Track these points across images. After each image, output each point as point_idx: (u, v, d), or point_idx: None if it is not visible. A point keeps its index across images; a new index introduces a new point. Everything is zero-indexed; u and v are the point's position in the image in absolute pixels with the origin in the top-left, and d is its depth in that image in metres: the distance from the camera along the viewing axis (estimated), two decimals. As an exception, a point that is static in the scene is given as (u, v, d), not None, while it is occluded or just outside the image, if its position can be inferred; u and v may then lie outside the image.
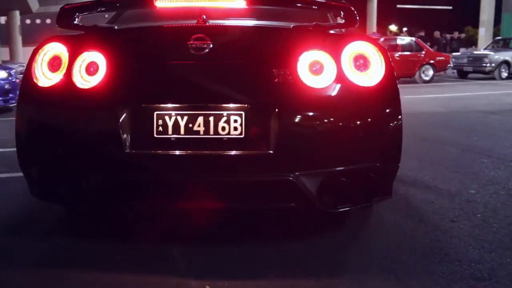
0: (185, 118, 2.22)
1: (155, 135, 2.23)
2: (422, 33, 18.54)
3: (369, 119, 2.32)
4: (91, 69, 2.31)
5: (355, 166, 2.32)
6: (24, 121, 2.44)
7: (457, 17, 38.10)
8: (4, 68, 9.63)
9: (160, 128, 2.22)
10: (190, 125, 2.21)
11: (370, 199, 2.46)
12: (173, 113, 2.22)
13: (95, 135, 2.27)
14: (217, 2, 2.41)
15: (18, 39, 27.54)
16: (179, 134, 2.22)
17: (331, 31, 2.48)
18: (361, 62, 2.32)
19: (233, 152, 2.22)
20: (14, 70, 9.89)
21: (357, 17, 2.40)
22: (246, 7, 2.40)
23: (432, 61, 15.09)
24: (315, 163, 2.27)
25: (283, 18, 2.90)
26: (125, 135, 2.22)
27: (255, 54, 2.34)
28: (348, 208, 2.42)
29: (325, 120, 2.25)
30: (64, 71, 2.33)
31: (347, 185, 2.32)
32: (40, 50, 2.41)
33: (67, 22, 2.42)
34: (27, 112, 2.43)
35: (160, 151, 2.23)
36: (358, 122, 2.29)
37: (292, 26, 2.44)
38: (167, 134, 2.23)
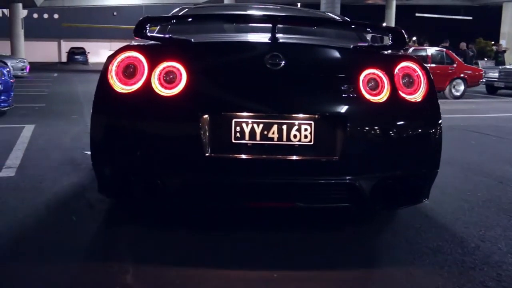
0: (261, 125, 2.50)
1: (233, 141, 2.49)
2: (447, 44, 17.19)
3: (416, 131, 2.71)
4: (171, 77, 2.53)
5: (404, 171, 2.69)
6: (102, 124, 2.63)
7: (476, 28, 36.82)
8: None
9: (238, 134, 2.49)
10: (265, 132, 2.50)
11: (415, 201, 2.84)
12: (249, 121, 2.49)
13: (177, 139, 2.53)
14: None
15: (20, 33, 26.46)
16: (255, 140, 2.50)
17: (385, 52, 2.84)
18: (409, 80, 2.68)
19: (303, 157, 2.52)
20: (7, 69, 8.35)
21: (407, 40, 2.81)
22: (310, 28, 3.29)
23: (464, 75, 13.75)
24: (373, 168, 2.61)
25: (328, 35, 3.41)
26: (205, 140, 2.46)
27: (322, 71, 2.67)
28: (395, 208, 2.99)
29: (382, 131, 2.61)
30: (144, 78, 2.54)
31: (397, 188, 2.67)
32: (117, 57, 2.60)
33: (144, 32, 2.63)
34: (105, 115, 2.63)
35: (237, 155, 2.49)
36: (408, 133, 2.68)
37: (351, 46, 2.81)
38: (244, 140, 2.50)
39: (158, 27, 3.27)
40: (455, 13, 37.02)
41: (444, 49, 14.54)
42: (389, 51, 2.86)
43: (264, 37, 2.73)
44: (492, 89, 15.73)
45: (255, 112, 2.50)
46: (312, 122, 2.51)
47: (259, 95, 2.56)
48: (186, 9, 3.92)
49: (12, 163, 4.59)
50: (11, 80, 8.15)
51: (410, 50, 13.40)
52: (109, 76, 2.58)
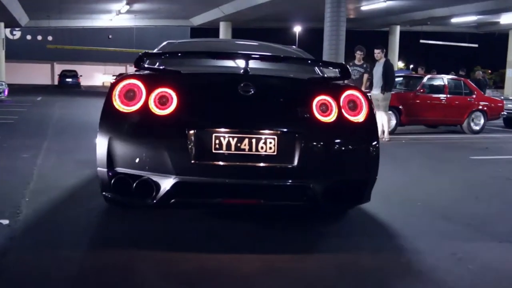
0: (235, 139, 3.16)
1: (213, 151, 3.14)
2: (463, 72, 15.82)
3: (358, 144, 3.45)
4: (164, 100, 3.19)
5: (349, 177, 3.42)
6: (107, 136, 3.20)
7: (483, 56, 35.62)
8: None
9: (217, 146, 3.14)
10: (239, 144, 3.16)
11: (358, 202, 3.60)
12: (226, 135, 3.16)
13: (169, 149, 3.13)
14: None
15: (1, 54, 24.92)
16: (231, 150, 3.16)
17: (333, 82, 3.65)
18: (353, 105, 3.41)
19: (269, 164, 3.19)
20: None
21: (350, 72, 3.62)
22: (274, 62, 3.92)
23: (483, 107, 12.26)
24: (323, 174, 3.31)
25: (291, 68, 4.08)
26: (191, 150, 3.11)
27: (283, 97, 3.42)
28: (342, 207, 3.88)
29: (330, 144, 3.33)
30: (142, 101, 3.19)
31: (343, 191, 3.36)
32: (120, 83, 3.26)
33: (142, 64, 3.38)
34: (109, 130, 3.23)
35: (216, 162, 3.15)
36: (352, 146, 3.43)
37: (307, 77, 3.66)
38: (222, 150, 3.15)
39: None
40: (460, 40, 35.87)
41: (462, 79, 13.11)
42: (339, 81, 3.67)
43: (239, 69, 3.44)
44: (509, 123, 14.33)
45: (230, 129, 3.18)
46: (276, 137, 3.20)
47: (234, 115, 3.26)
48: (173, 44, 4.59)
49: None
50: None
51: (425, 79, 11.91)
52: (113, 99, 3.25)
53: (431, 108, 11.62)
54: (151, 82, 3.25)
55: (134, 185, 3.15)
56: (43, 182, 4.96)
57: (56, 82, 43.89)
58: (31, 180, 4.98)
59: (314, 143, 3.26)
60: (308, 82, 3.61)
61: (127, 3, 24.31)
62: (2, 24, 24.73)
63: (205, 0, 24.18)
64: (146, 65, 3.43)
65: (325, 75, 3.98)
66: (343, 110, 3.35)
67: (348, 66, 3.61)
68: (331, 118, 3.31)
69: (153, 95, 3.19)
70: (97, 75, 50.19)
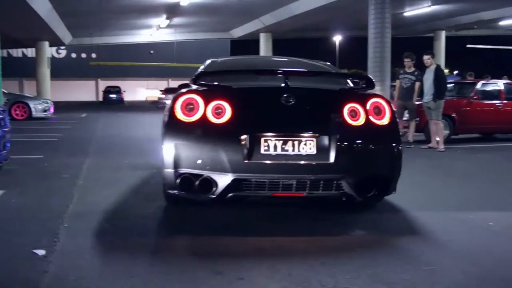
0: (281, 141, 3.83)
1: (262, 152, 3.81)
2: (517, 76, 14.99)
3: (384, 144, 4.10)
4: (219, 111, 3.85)
5: (377, 172, 4.07)
6: (171, 142, 3.88)
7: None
8: None
9: (266, 148, 3.82)
10: (283, 146, 3.83)
11: (386, 193, 4.22)
12: (273, 139, 3.83)
13: (225, 151, 3.77)
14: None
15: (46, 72, 25.37)
16: (277, 151, 3.83)
17: (361, 92, 4.36)
18: (377, 110, 4.05)
19: (309, 162, 3.84)
20: (3, 116, 6.47)
21: (374, 83, 4.41)
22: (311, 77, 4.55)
23: (544, 115, 11.47)
24: (355, 170, 3.93)
25: (325, 80, 4.71)
26: (244, 151, 3.77)
27: (319, 105, 4.13)
28: (371, 198, 4.14)
29: (359, 144, 3.97)
30: (201, 112, 3.86)
31: (372, 184, 4.00)
32: (180, 97, 3.95)
33: (199, 81, 4.19)
34: (173, 137, 3.91)
35: (265, 161, 3.81)
36: (378, 146, 4.08)
37: (338, 88, 4.38)
38: (269, 151, 3.82)
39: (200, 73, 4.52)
40: (509, 43, 34.47)
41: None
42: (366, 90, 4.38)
43: (280, 83, 4.12)
44: None
45: (276, 133, 3.86)
46: (315, 139, 3.88)
47: (279, 122, 3.96)
48: (216, 62, 5.30)
49: None
50: (5, 129, 6.41)
51: (479, 85, 11.25)
52: (175, 111, 3.92)
53: (487, 115, 10.96)
54: (207, 96, 3.95)
55: (197, 182, 3.85)
56: (83, 206, 4.71)
57: (100, 98, 44.65)
58: (71, 203, 4.73)
59: (346, 143, 3.89)
60: (339, 92, 4.36)
61: (167, 18, 24.37)
62: (47, 43, 25.16)
63: (245, 11, 24.00)
64: (202, 82, 4.22)
65: (352, 86, 4.67)
66: (369, 115, 4.01)
67: (371, 78, 4.47)
68: (360, 122, 3.97)
69: (209, 107, 3.88)
70: (140, 90, 50.84)
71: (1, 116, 6.52)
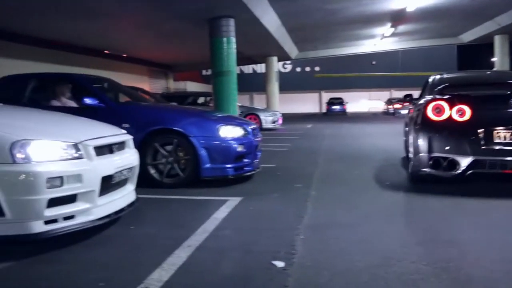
0: (509, 133, 5.13)
1: (494, 141, 5.17)
2: None
3: None
4: (461, 113, 5.30)
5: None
6: (423, 135, 5.51)
7: None
8: (240, 124, 6.53)
9: (497, 138, 5.15)
10: (511, 137, 5.13)
11: None
12: (502, 131, 5.14)
13: (466, 140, 5.23)
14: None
15: (275, 86, 26.70)
16: (506, 140, 5.14)
17: None
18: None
19: None
20: (253, 126, 6.72)
21: None
22: None
23: None
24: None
25: None
26: (481, 140, 5.16)
27: None
28: None
29: None
30: (447, 114, 5.38)
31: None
32: (430, 103, 5.51)
33: (442, 92, 5.89)
34: (424, 131, 5.52)
35: (497, 147, 5.15)
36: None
37: None
38: (500, 140, 5.16)
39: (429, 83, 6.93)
40: None
41: None
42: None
43: (505, 91, 5.52)
44: None
45: (505, 127, 5.16)
46: None
47: (507, 119, 5.23)
48: (443, 77, 6.89)
49: (156, 278, 2.91)
50: (257, 139, 6.71)
51: None
52: (427, 113, 5.49)
53: None
54: (451, 102, 5.45)
55: (445, 163, 5.38)
56: (318, 217, 4.55)
57: (323, 110, 45.72)
58: (305, 214, 4.60)
59: None
60: None
61: (392, 26, 23.73)
62: (275, 58, 26.60)
63: (477, 13, 22.06)
64: (444, 92, 5.90)
65: None
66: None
67: None
68: None
69: (454, 110, 5.38)
70: (362, 101, 50.78)
71: (255, 126, 6.87)
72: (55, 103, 6.46)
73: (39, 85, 6.67)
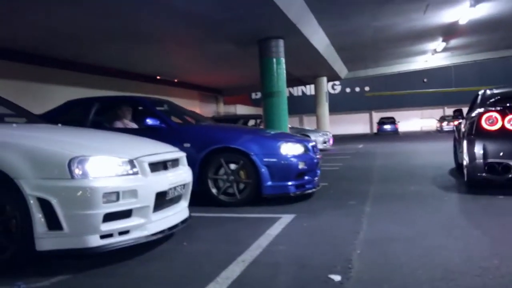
0: None
1: None
2: None
3: None
4: None
5: None
6: (477, 144, 6.05)
7: None
8: (300, 141, 6.56)
9: None
10: None
11: None
12: None
13: None
14: None
15: (325, 106, 26.51)
16: None
17: None
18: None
19: None
20: (313, 143, 6.88)
21: None
22: None
23: None
24: None
25: None
26: None
27: None
28: None
29: None
30: (500, 124, 5.97)
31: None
32: (484, 114, 6.12)
33: (494, 106, 6.43)
34: (478, 140, 6.06)
35: None
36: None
37: None
38: None
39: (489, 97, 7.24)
40: None
41: None
42: None
43: None
44: None
45: None
46: None
47: None
48: (492, 92, 7.35)
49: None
50: (318, 156, 6.72)
51: None
52: (481, 123, 6.05)
53: None
54: (503, 113, 6.05)
55: (499, 168, 5.89)
56: (374, 232, 4.43)
57: (374, 130, 45.07)
58: (361, 230, 4.49)
59: None
60: None
61: (443, 40, 23.22)
62: (325, 78, 26.46)
63: (533, 23, 21.43)
64: (495, 105, 6.52)
65: None
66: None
67: None
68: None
69: (506, 119, 5.96)
70: (413, 120, 49.77)
71: (314, 143, 6.89)
72: (118, 124, 6.63)
73: (101, 108, 6.86)
